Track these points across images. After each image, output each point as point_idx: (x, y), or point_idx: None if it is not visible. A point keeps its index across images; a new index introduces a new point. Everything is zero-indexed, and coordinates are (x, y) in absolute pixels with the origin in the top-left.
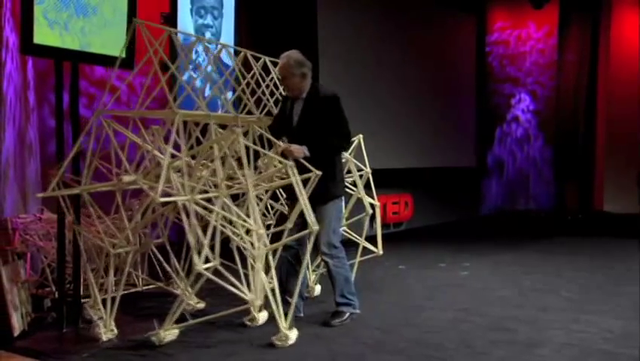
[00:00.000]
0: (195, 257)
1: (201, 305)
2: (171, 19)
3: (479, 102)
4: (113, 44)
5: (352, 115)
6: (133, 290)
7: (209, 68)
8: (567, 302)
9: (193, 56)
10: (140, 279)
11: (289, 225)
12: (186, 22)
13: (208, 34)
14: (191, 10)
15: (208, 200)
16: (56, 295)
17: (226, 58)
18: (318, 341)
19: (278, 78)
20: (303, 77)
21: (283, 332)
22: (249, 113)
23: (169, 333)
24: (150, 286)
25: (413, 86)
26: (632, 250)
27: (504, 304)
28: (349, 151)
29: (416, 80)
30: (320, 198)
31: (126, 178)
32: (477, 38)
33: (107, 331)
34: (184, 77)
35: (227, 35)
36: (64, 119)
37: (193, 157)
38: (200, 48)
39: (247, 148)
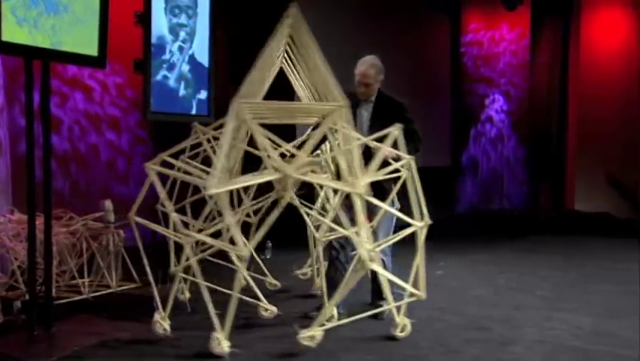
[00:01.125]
0: (363, 253)
1: None
2: (145, 18)
3: (454, 102)
4: (85, 43)
5: None
6: (108, 291)
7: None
8: (540, 301)
9: (167, 56)
10: (114, 280)
11: (375, 224)
12: (160, 21)
13: (182, 34)
14: (165, 8)
15: None
16: (27, 298)
17: (200, 57)
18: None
19: None
20: (381, 82)
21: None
22: None
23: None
24: (124, 288)
25: (389, 86)
26: (602, 248)
27: (478, 303)
28: None
29: (392, 80)
30: (384, 197)
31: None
32: (452, 39)
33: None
34: (158, 77)
35: (202, 34)
36: (34, 118)
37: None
38: (174, 47)
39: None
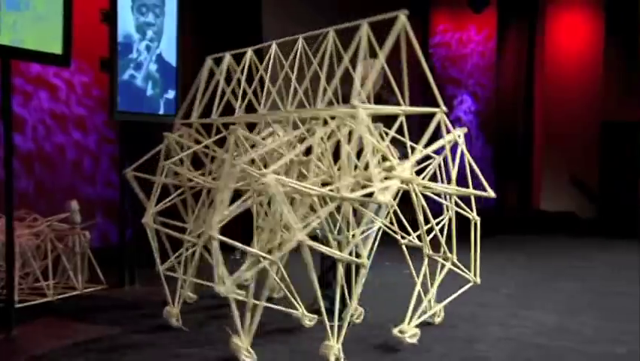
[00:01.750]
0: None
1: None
2: (111, 16)
3: (423, 103)
4: (49, 40)
5: None
6: (74, 293)
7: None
8: (506, 299)
9: (134, 55)
10: (80, 282)
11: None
12: (127, 19)
13: (150, 33)
14: (132, 7)
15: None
16: None
17: (168, 57)
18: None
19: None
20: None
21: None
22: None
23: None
24: (90, 290)
25: None
26: (566, 247)
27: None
28: None
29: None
30: None
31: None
32: (421, 40)
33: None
34: (125, 77)
35: (170, 33)
36: None
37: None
38: (142, 46)
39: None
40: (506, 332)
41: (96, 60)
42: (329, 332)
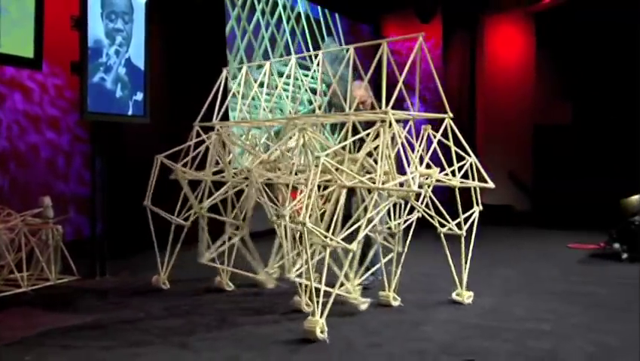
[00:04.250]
0: None
1: None
2: (81, 22)
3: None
4: (22, 45)
5: None
6: (47, 284)
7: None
8: (450, 285)
9: (104, 59)
10: (53, 274)
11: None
12: (97, 25)
13: (119, 38)
14: (102, 14)
15: None
16: None
17: (136, 61)
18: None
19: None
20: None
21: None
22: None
23: None
24: (63, 281)
25: None
26: (503, 236)
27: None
28: None
29: None
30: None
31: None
32: (374, 47)
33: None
34: (95, 79)
35: (138, 39)
36: None
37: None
38: (111, 51)
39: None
40: (449, 314)
41: (68, 64)
42: (315, 308)
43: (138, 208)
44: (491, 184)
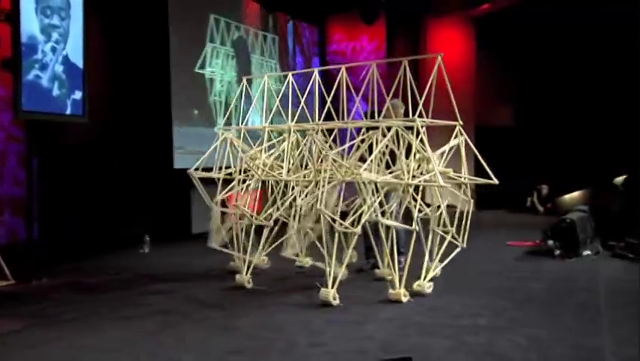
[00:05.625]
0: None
1: None
2: (13, 16)
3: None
4: None
5: None
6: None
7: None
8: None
9: (39, 56)
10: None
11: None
12: (30, 21)
13: (55, 35)
14: (36, 9)
15: None
16: None
17: (74, 58)
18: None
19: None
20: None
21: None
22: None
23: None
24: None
25: None
26: None
27: (341, 288)
28: None
29: None
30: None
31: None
32: (320, 48)
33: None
34: (30, 77)
35: (76, 36)
36: None
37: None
38: (47, 48)
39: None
40: (392, 313)
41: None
42: (328, 280)
43: (76, 209)
44: (495, 181)
